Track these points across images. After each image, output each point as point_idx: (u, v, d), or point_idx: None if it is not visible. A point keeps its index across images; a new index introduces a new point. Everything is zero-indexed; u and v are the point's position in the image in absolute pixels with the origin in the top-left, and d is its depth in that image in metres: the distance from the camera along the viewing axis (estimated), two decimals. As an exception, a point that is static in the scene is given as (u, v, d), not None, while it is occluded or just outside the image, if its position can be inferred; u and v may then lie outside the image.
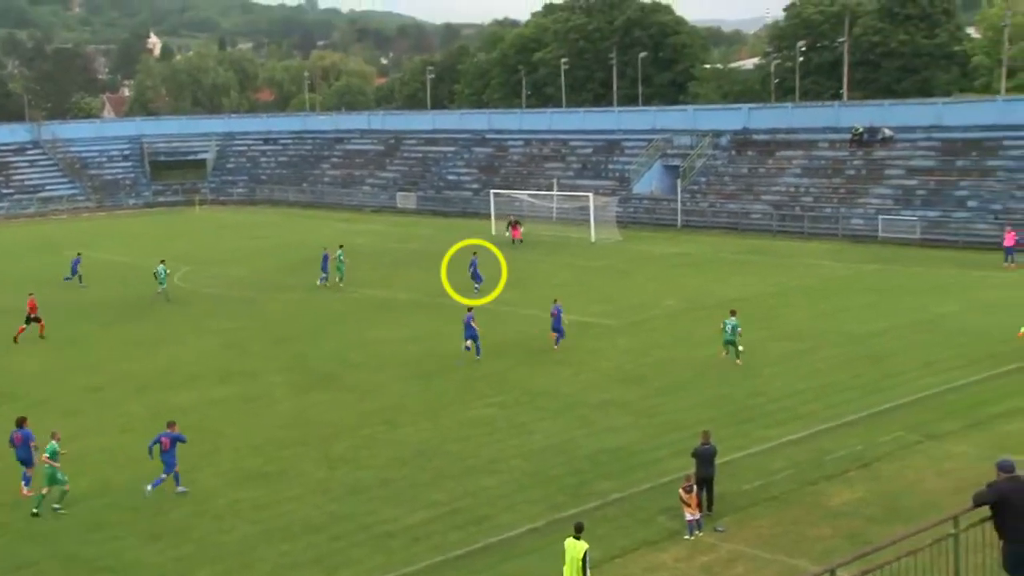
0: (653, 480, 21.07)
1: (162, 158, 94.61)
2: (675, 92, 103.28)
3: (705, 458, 19.34)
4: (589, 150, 75.97)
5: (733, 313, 30.56)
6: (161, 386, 29.77)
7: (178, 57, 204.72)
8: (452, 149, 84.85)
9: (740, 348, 29.74)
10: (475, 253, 45.86)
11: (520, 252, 53.33)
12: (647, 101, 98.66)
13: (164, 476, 21.30)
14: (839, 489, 20.32)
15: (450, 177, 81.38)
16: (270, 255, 53.17)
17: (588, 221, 58.67)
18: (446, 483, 21.56)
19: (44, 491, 20.81)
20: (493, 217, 62.82)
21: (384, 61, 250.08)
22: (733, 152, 67.40)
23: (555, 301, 33.69)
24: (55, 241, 61.69)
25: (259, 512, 20.58)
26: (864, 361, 29.50)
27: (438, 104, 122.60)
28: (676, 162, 68.08)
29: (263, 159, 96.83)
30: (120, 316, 40.46)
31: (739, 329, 29.85)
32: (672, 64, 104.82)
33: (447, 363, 31.29)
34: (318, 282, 45.36)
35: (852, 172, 60.46)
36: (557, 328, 32.53)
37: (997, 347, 30.27)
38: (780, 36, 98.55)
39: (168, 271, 44.54)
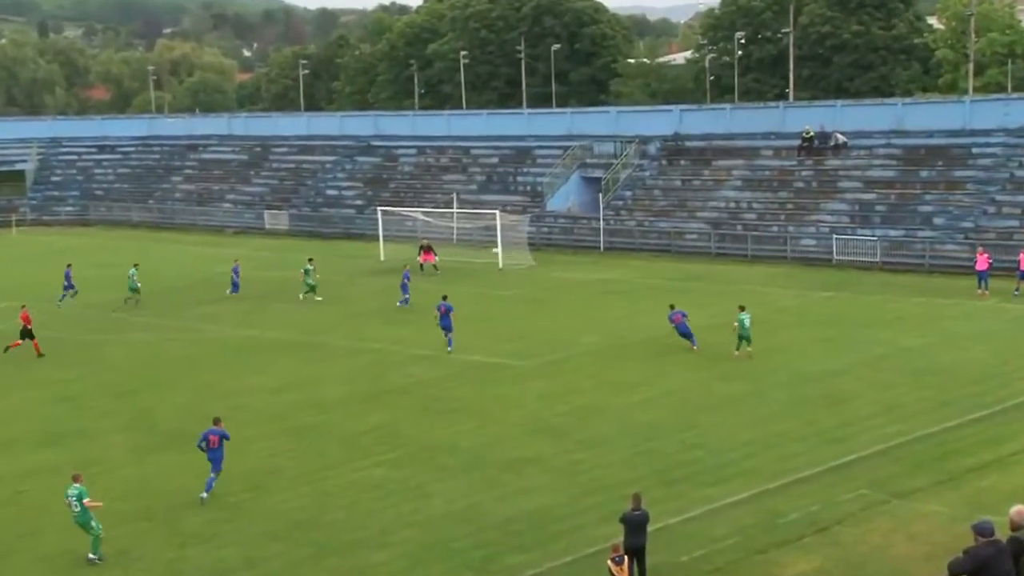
0: (575, 551, 21.07)
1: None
2: (595, 91, 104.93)
3: (636, 525, 19.40)
4: (494, 159, 76.33)
5: (742, 308, 36.00)
6: (-32, 451, 28.69)
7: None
8: (331, 159, 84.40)
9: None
10: (407, 266, 49.29)
11: (413, 281, 53.15)
12: (562, 102, 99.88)
13: (214, 475, 24.47)
14: (793, 558, 20.62)
15: (329, 192, 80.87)
16: (109, 288, 51.90)
17: (495, 243, 58.87)
18: (328, 560, 21.25)
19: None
20: (382, 239, 62.59)
21: (247, 53, 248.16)
22: (663, 162, 68.40)
23: (672, 307, 37.82)
24: None
25: (94, 605, 19.96)
26: (819, 405, 30.07)
27: (314, 105, 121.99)
28: (597, 173, 68.78)
29: (98, 171, 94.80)
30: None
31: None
32: (591, 58, 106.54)
33: (326, 416, 30.93)
34: (228, 291, 50.36)
35: (801, 184, 62.00)
36: (686, 333, 36.90)
37: (970, 388, 31.22)
38: (715, 26, 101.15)
39: (138, 282, 49.20)
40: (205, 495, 24.36)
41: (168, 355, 39.81)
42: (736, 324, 35.90)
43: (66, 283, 50.49)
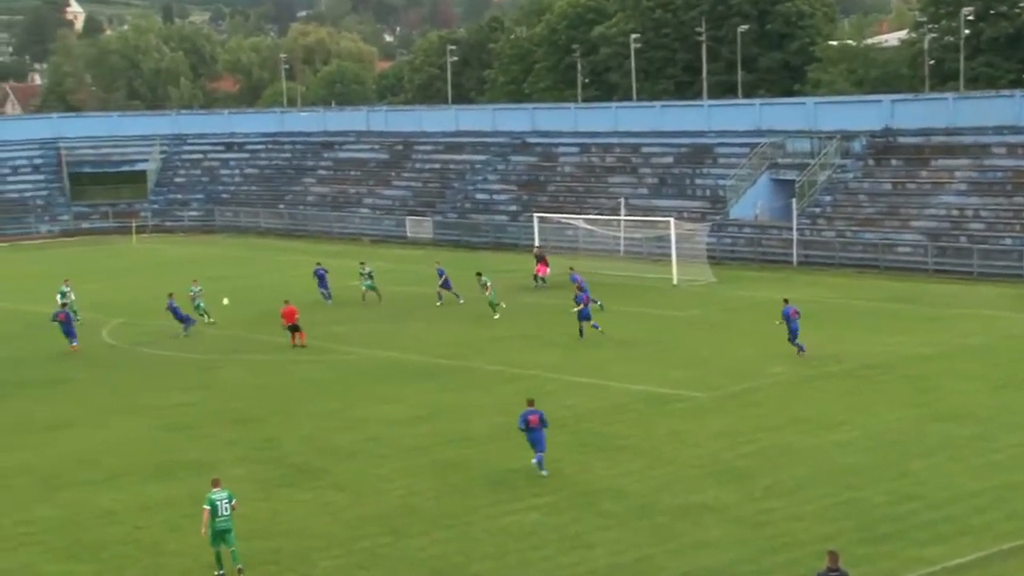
0: (761, 617, 20.80)
1: (87, 169, 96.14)
2: (788, 79, 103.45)
3: (834, 587, 19.07)
4: (669, 159, 76.09)
5: None
6: (75, 483, 29.86)
7: (109, 32, 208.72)
8: (481, 158, 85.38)
9: None
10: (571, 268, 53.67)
11: (568, 297, 53.16)
12: (749, 92, 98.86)
13: (541, 454, 28.43)
14: (1028, 634, 19.89)
15: (479, 196, 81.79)
16: (233, 303, 53.54)
17: (668, 256, 58.66)
18: (471, 619, 21.41)
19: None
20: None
21: (389, 38, 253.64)
22: (870, 161, 67.28)
23: (786, 301, 41.16)
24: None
25: (211, 657, 20.51)
26: (1061, 452, 29.08)
27: (462, 97, 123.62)
28: (790, 175, 68.10)
29: (224, 171, 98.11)
30: (17, 386, 40.83)
31: None
32: (784, 40, 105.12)
33: (471, 451, 31.17)
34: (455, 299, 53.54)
35: (1040, 188, 60.15)
36: (795, 331, 39.80)
37: None
38: (937, 1, 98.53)
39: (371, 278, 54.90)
40: (545, 472, 28.35)
41: (293, 379, 40.75)
42: None
43: (320, 283, 54.54)
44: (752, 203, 68.49)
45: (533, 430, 28.48)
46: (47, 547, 25.42)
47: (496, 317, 49.24)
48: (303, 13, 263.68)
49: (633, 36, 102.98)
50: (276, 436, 33.50)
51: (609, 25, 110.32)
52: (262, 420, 35.28)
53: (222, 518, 23.20)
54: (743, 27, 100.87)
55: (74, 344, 46.04)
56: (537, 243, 62.66)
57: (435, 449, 31.53)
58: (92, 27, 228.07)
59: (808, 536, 24.10)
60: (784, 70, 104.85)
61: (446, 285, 53.52)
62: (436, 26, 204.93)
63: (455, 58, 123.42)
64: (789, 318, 40.21)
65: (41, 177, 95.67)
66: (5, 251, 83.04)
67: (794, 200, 64.65)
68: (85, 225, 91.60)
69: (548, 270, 57.51)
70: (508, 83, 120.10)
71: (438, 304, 53.01)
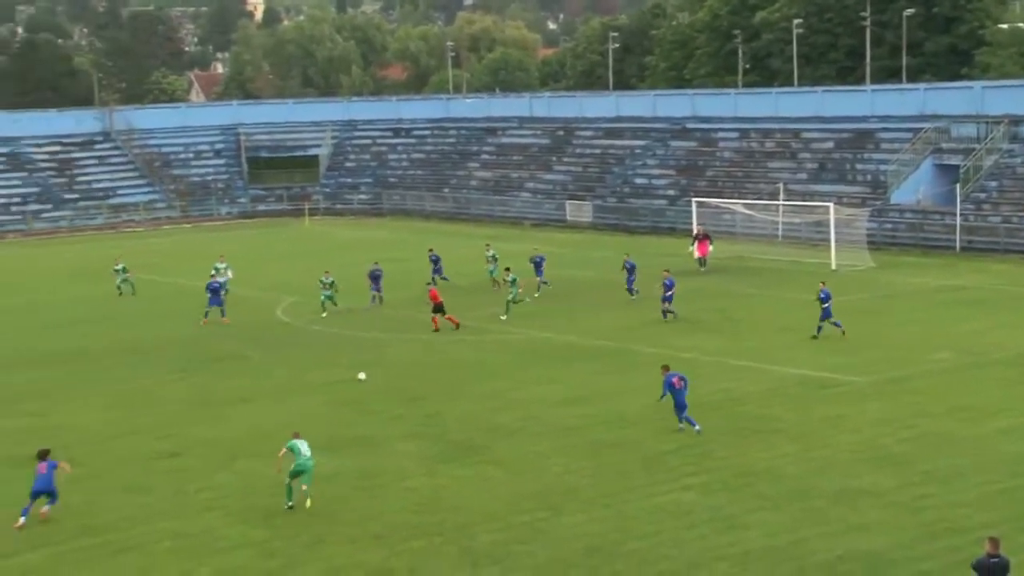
0: (917, 603, 20.53)
1: (263, 154, 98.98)
2: (955, 63, 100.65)
3: (992, 573, 18.68)
4: (829, 144, 74.94)
5: None
6: (252, 454, 30.78)
7: (286, 23, 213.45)
8: (641, 143, 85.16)
9: None
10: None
11: (726, 281, 52.79)
12: (914, 76, 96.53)
13: (686, 414, 30.43)
14: None
15: (638, 180, 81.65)
16: (401, 284, 54.49)
17: (827, 241, 57.83)
18: (626, 594, 21.53)
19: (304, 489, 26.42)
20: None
21: (552, 26, 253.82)
22: (1039, 146, 65.35)
23: (823, 284, 41.82)
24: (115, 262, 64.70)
25: (377, 622, 21.07)
26: None
27: (624, 83, 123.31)
28: (954, 160, 66.60)
29: (392, 156, 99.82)
30: (200, 362, 42.20)
31: None
32: (951, 24, 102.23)
33: (627, 431, 31.28)
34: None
35: None
36: (827, 315, 40.65)
37: None
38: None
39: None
40: (698, 427, 30.14)
41: (454, 358, 41.34)
42: None
43: (434, 268, 54.67)
44: (914, 188, 67.15)
45: (680, 391, 30.29)
46: (226, 511, 26.42)
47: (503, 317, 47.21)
48: (469, 2, 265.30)
49: (796, 21, 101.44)
50: (439, 413, 34.06)
51: (772, 10, 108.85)
52: (426, 398, 35.89)
53: (304, 457, 26.15)
54: (909, 11, 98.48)
55: (219, 316, 48.22)
56: (696, 224, 62.23)
57: (592, 429, 31.74)
58: (271, 18, 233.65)
59: (968, 523, 23.69)
60: (951, 54, 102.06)
61: (539, 272, 52.80)
62: (598, 13, 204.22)
63: (616, 45, 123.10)
64: (821, 299, 41.02)
65: (222, 162, 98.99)
66: (189, 232, 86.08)
67: (958, 185, 63.15)
68: (261, 208, 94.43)
69: (711, 248, 57.09)
70: (669, 69, 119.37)
71: (536, 295, 51.44)
